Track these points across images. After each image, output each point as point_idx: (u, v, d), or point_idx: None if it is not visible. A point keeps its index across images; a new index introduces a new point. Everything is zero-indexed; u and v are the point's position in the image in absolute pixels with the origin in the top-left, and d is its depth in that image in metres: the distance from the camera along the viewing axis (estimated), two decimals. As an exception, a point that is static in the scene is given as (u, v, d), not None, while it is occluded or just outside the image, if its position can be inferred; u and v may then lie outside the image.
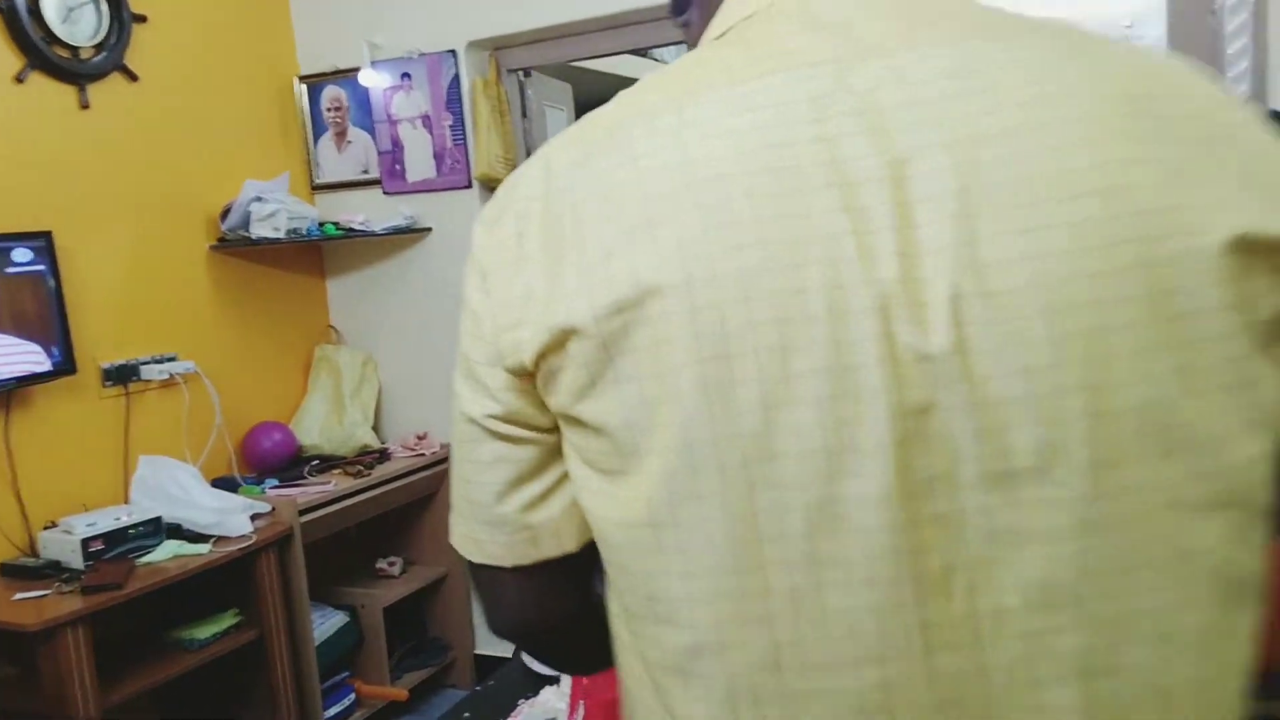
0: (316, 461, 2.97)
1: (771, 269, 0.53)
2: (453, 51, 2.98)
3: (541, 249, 0.57)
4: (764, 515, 0.54)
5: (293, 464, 2.97)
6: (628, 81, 3.60)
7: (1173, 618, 0.54)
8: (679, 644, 0.57)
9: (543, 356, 0.57)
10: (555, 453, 0.62)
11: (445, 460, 3.15)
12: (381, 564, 3.14)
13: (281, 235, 2.89)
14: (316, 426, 3.07)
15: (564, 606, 0.67)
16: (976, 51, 0.55)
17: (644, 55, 4.19)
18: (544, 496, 0.63)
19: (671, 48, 4.07)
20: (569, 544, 0.63)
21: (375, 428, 3.20)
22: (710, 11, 0.66)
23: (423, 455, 3.07)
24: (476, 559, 0.66)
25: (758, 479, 0.53)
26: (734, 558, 0.54)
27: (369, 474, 2.89)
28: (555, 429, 0.61)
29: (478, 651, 3.22)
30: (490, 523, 0.64)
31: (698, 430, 0.54)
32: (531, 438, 0.61)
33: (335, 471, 2.91)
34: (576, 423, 0.58)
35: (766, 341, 0.53)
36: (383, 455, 3.04)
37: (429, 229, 3.11)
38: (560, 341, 0.56)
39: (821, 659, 0.54)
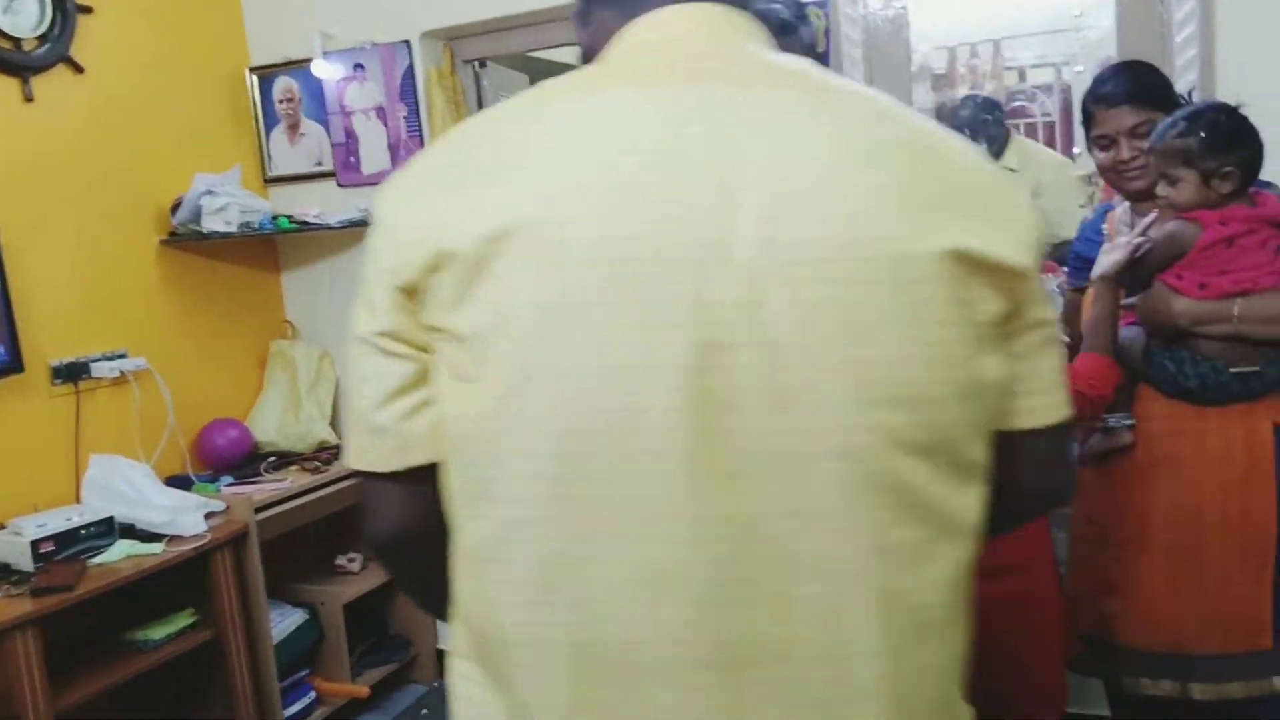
0: (273, 458, 2.93)
1: (614, 219, 0.68)
2: (406, 42, 2.94)
3: (437, 190, 0.73)
4: (584, 416, 0.68)
5: (249, 461, 2.93)
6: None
7: (889, 533, 0.69)
8: (509, 516, 0.71)
9: (426, 273, 0.71)
10: (429, 372, 0.75)
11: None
12: (341, 560, 3.11)
13: (233, 229, 2.84)
14: (273, 423, 3.03)
15: (433, 516, 0.78)
16: (789, 95, 0.74)
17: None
18: (417, 409, 0.75)
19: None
20: (436, 454, 0.75)
21: (333, 423, 3.16)
22: (597, 53, 0.83)
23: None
24: (360, 465, 0.78)
25: (582, 386, 0.68)
26: (558, 447, 0.69)
27: (326, 470, 2.86)
28: (429, 349, 0.74)
29: (440, 647, 3.20)
30: (371, 430, 0.76)
31: (540, 340, 0.68)
32: (408, 354, 0.74)
33: (292, 468, 2.88)
34: (446, 334, 0.72)
35: (602, 276, 0.68)
36: (340, 451, 3.01)
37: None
38: (439, 263, 0.70)
39: (618, 534, 0.68)
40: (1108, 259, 1.75)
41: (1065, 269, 2.09)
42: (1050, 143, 3.04)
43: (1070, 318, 1.95)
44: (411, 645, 3.17)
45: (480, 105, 3.10)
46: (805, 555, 0.68)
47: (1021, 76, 3.35)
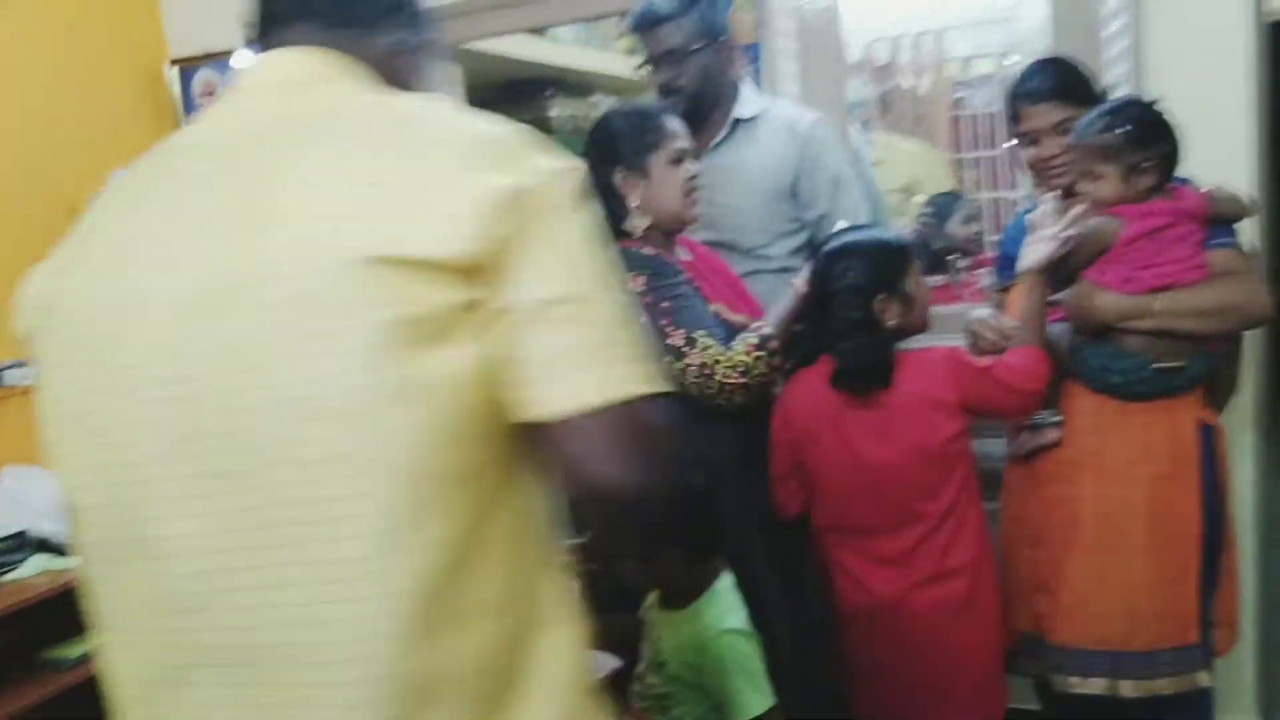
0: (200, 464, 2.84)
1: (93, 284, 0.80)
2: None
3: (37, 271, 0.88)
4: (90, 459, 0.80)
5: (175, 468, 2.84)
6: (522, 65, 3.44)
7: (327, 549, 0.73)
8: (84, 539, 0.85)
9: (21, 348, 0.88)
10: None
11: (338, 458, 3.04)
12: (275, 567, 3.03)
13: (154, 228, 2.75)
14: (200, 427, 2.94)
15: None
16: (317, 134, 0.79)
17: (542, 34, 4.08)
18: None
19: (569, 26, 3.98)
20: None
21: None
22: None
23: (314, 454, 2.96)
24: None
25: (91, 434, 0.80)
26: (89, 479, 0.81)
27: (256, 476, 2.77)
28: None
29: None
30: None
31: (64, 402, 0.82)
32: None
33: (220, 474, 2.79)
34: None
35: (73, 337, 0.81)
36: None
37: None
38: (18, 338, 0.87)
39: (114, 558, 0.82)
40: (1036, 251, 1.73)
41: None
42: (991, 134, 3.04)
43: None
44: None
45: (411, 98, 3.02)
46: (235, 572, 0.76)
47: (965, 67, 3.35)
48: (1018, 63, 2.73)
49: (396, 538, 0.72)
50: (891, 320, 1.71)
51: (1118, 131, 1.64)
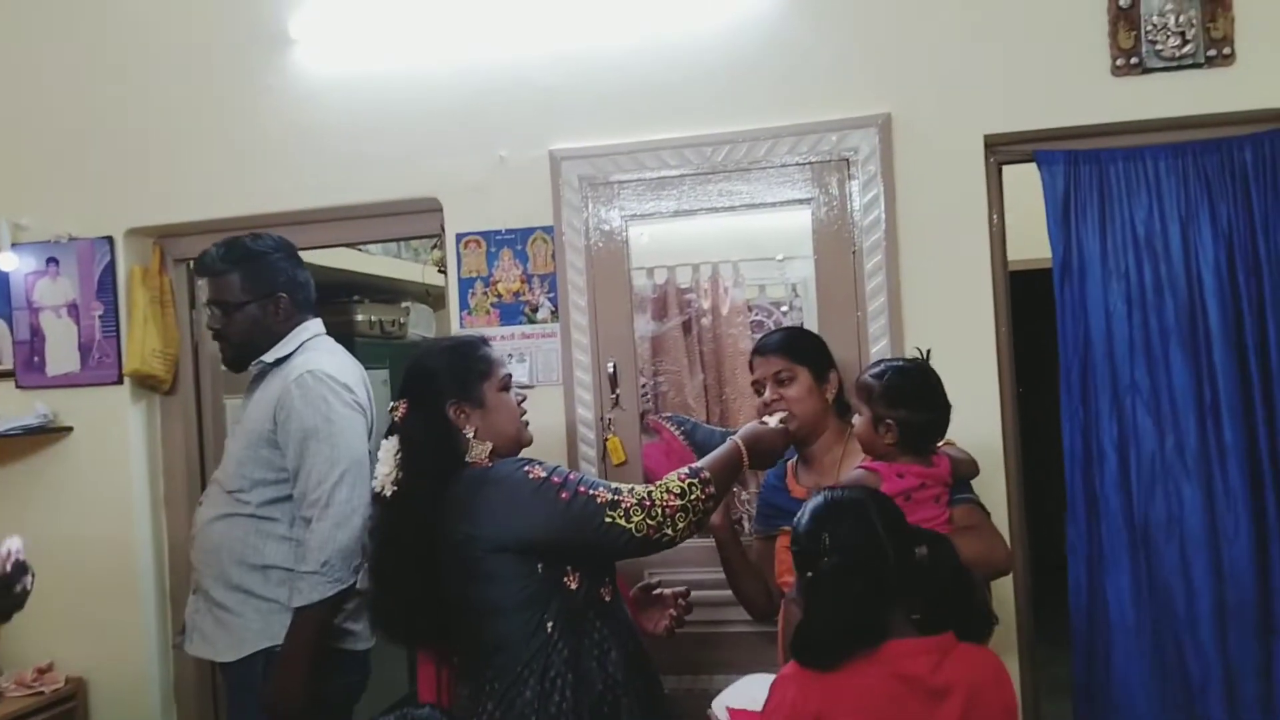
0: (-104, 710, 2.45)
1: None
2: (109, 238, 2.75)
3: None
4: None
5: None
6: (323, 270, 3.30)
7: None
8: None
9: None
10: None
11: (72, 698, 2.70)
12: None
13: (-126, 437, 2.46)
14: (-96, 663, 2.55)
15: None
16: None
17: (355, 246, 4.03)
18: None
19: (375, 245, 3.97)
20: None
21: (-13, 659, 2.71)
22: None
23: (41, 694, 2.61)
24: None
25: None
26: None
27: (-36, 724, 2.41)
28: None
29: None
30: None
31: None
32: None
33: (-82, 723, 2.41)
34: None
35: None
36: (-10, 698, 2.56)
37: (70, 428, 2.76)
38: None
39: None
40: None
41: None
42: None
43: (764, 563, 2.02)
44: None
45: (193, 305, 2.90)
46: None
47: (761, 293, 3.50)
48: (787, 312, 2.90)
49: None
50: None
51: (880, 381, 1.76)
